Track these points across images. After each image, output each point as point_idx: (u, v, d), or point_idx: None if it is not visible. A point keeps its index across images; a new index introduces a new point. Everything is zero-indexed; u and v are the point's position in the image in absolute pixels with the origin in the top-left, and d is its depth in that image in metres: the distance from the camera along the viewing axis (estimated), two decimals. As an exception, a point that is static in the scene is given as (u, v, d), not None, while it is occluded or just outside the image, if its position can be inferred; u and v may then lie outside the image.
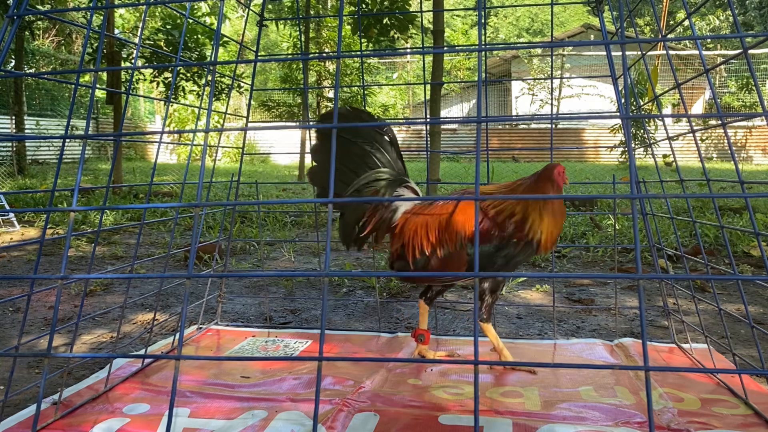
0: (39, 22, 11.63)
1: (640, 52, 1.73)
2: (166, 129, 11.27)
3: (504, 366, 1.69)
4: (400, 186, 1.69)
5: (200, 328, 2.12)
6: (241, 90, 7.49)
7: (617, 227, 4.18)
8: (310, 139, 2.14)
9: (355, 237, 1.70)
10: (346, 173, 1.65)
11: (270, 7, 12.16)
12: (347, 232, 1.70)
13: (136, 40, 1.59)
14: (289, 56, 8.04)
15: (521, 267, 1.66)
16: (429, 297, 1.76)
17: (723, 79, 18.08)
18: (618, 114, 0.97)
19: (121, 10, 14.52)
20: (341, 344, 1.95)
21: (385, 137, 1.67)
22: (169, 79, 8.01)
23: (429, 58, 5.66)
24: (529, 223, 1.55)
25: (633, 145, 1.10)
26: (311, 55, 8.94)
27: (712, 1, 25.43)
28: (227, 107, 2.40)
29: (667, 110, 14.08)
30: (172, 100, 1.74)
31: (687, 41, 16.73)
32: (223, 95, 8.31)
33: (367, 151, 1.65)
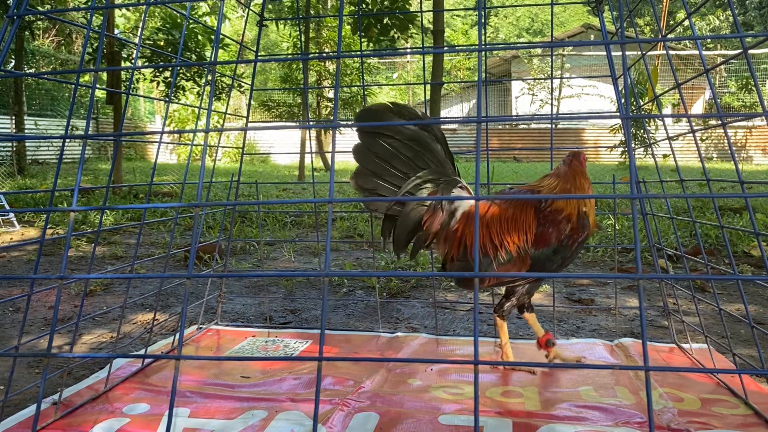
0: (39, 22, 11.63)
1: (640, 52, 1.73)
2: (166, 129, 11.27)
3: (504, 366, 1.69)
4: (454, 187, 1.61)
5: (200, 328, 2.12)
6: (242, 90, 7.49)
7: (617, 227, 4.19)
8: (310, 139, 2.15)
9: (410, 243, 1.62)
10: (395, 176, 1.56)
11: (270, 7, 12.15)
12: (401, 239, 1.60)
13: (136, 40, 1.58)
14: (289, 56, 8.03)
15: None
16: (523, 306, 1.67)
17: (723, 79, 18.08)
18: (618, 114, 0.97)
19: (122, 10, 14.52)
20: (341, 344, 1.95)
21: (433, 135, 1.58)
22: (169, 79, 8.01)
23: (429, 58, 5.66)
24: (586, 221, 1.54)
25: (633, 145, 1.10)
26: (311, 55, 8.94)
27: (712, 1, 25.43)
28: (227, 107, 2.40)
29: (667, 110, 14.08)
30: (172, 100, 1.74)
31: (687, 41, 16.73)
32: (223, 95, 8.31)
33: (416, 151, 1.56)
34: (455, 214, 1.62)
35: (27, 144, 10.62)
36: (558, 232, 1.52)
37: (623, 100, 1.46)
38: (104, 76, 7.90)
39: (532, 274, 0.94)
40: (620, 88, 1.60)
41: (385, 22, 6.43)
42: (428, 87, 5.06)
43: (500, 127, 17.47)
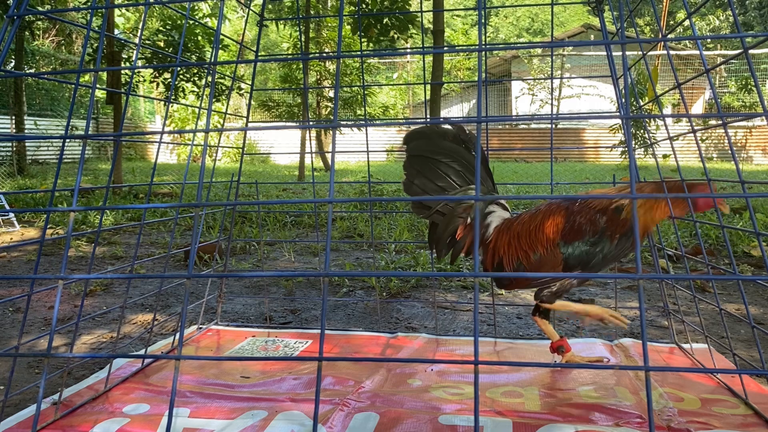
0: (39, 22, 11.63)
1: (640, 52, 1.73)
2: (166, 129, 11.26)
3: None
4: (491, 203, 1.72)
5: (200, 328, 2.12)
6: (241, 92, 7.49)
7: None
8: (310, 139, 2.15)
9: (449, 250, 1.73)
10: (435, 191, 1.68)
11: (270, 7, 12.15)
12: (441, 245, 1.72)
13: (136, 41, 1.59)
14: (289, 56, 8.03)
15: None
16: (542, 312, 1.72)
17: (723, 79, 18.08)
18: (618, 114, 0.97)
19: (122, 10, 14.52)
20: (341, 344, 1.95)
21: (472, 153, 1.67)
22: (169, 80, 8.01)
23: (429, 58, 5.66)
24: (624, 213, 1.54)
25: (633, 145, 1.10)
26: (311, 55, 8.94)
27: (712, 1, 25.44)
28: (227, 107, 2.40)
29: (668, 110, 14.09)
30: (172, 100, 1.74)
31: (687, 41, 16.73)
32: (223, 96, 8.32)
33: (454, 168, 1.66)
34: (489, 227, 1.70)
35: (27, 144, 10.62)
36: (592, 224, 1.55)
37: (623, 100, 1.46)
38: (104, 76, 7.90)
39: (531, 274, 0.94)
40: (620, 88, 1.60)
41: (385, 22, 6.43)
42: (428, 87, 5.06)
43: (500, 127, 17.47)
